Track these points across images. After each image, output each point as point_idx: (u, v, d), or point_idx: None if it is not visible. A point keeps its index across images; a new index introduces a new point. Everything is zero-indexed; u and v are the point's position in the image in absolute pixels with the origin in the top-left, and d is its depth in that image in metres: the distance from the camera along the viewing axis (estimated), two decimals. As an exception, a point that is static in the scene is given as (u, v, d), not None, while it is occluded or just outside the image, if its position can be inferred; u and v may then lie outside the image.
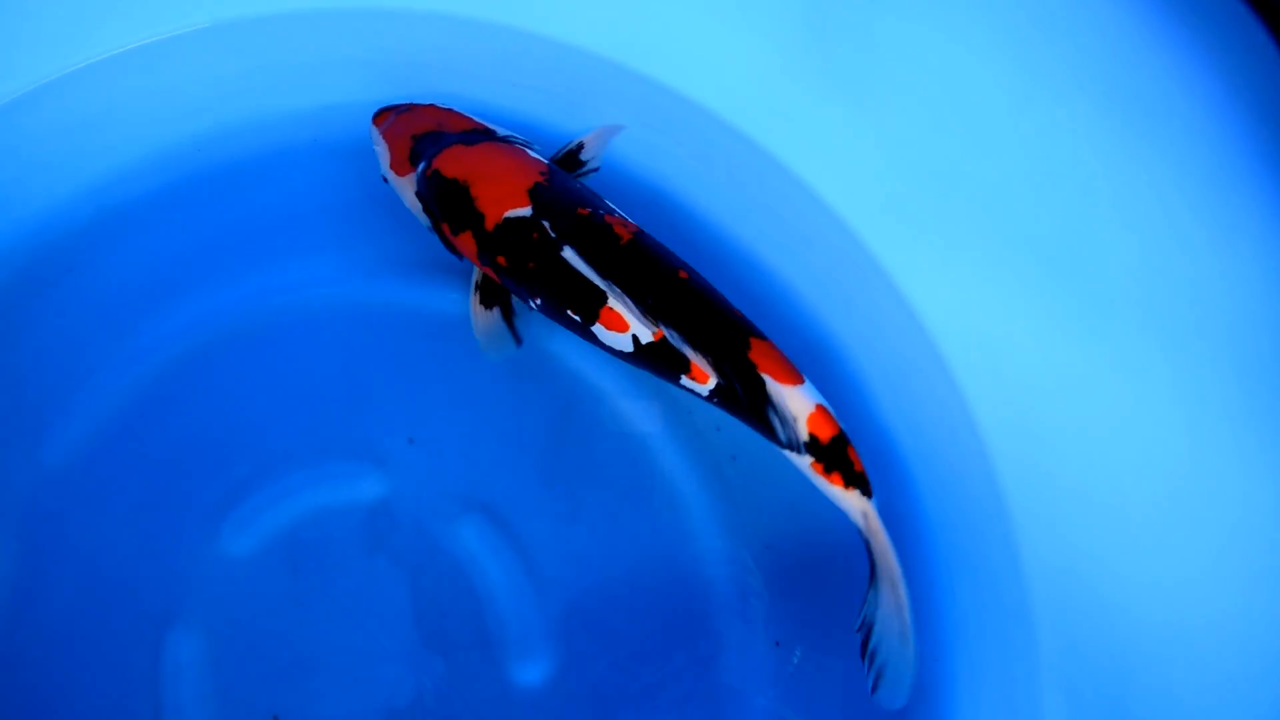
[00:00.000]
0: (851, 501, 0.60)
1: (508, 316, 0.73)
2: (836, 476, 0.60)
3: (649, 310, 0.61)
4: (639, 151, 0.81)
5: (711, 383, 0.61)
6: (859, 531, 0.60)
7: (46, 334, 0.76)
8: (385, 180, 0.74)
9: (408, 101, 0.75)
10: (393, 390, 0.77)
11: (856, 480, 0.60)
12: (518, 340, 0.73)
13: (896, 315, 0.77)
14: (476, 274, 0.72)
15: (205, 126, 0.80)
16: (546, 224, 0.64)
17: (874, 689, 0.58)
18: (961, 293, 0.76)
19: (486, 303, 0.72)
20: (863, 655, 0.59)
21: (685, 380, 0.63)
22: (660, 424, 0.77)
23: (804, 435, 0.60)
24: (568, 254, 0.63)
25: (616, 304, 0.62)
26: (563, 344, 0.78)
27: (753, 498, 0.76)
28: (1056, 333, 0.74)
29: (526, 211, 0.64)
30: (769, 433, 0.61)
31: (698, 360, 0.61)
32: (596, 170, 0.77)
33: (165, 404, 0.76)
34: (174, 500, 0.74)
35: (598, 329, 0.64)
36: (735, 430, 0.64)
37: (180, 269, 0.79)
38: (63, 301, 0.77)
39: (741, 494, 0.76)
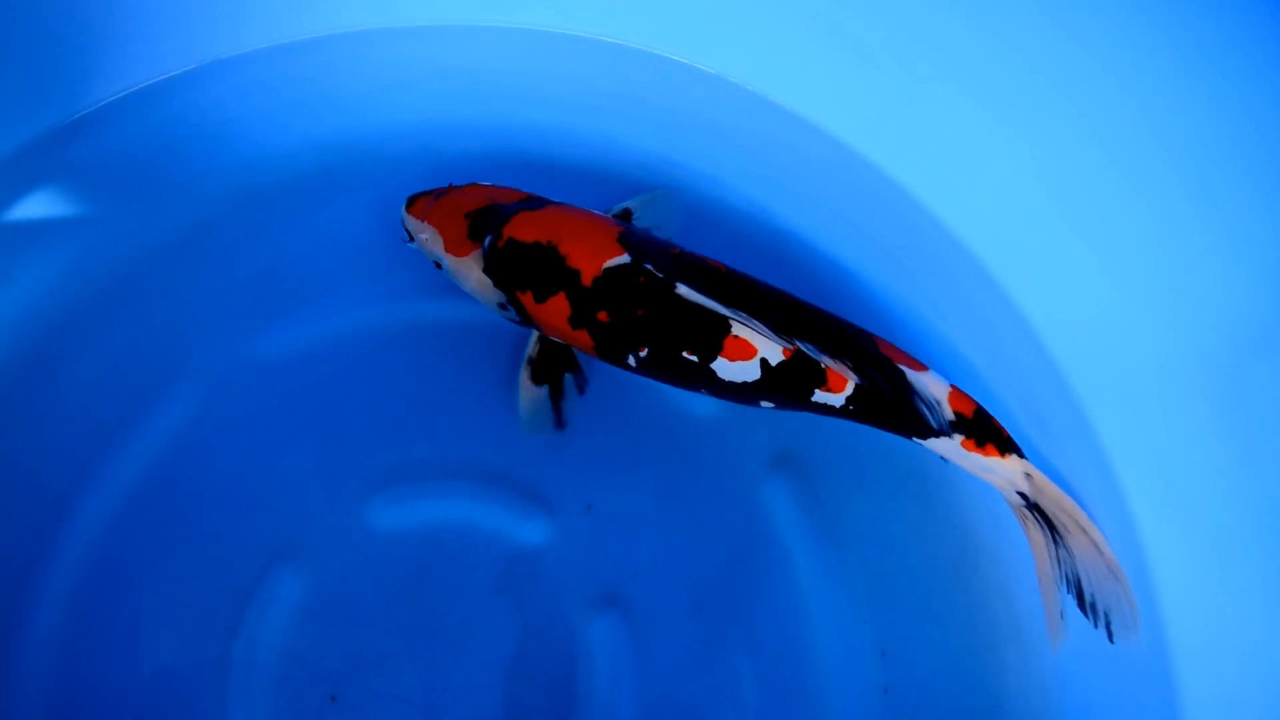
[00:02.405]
0: (1011, 467, 0.59)
1: (555, 397, 0.71)
2: (990, 448, 0.60)
3: (777, 328, 0.58)
4: (756, 179, 0.78)
5: (849, 388, 0.60)
6: (1020, 501, 0.60)
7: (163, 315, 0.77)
8: (438, 266, 0.70)
9: (442, 185, 0.71)
10: (598, 451, 0.74)
11: (1010, 445, 0.60)
12: (561, 423, 0.71)
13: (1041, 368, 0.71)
14: (531, 348, 0.70)
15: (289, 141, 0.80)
16: (650, 266, 0.61)
17: (1111, 637, 0.58)
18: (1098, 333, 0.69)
19: (537, 379, 0.70)
20: (1084, 610, 0.59)
21: (818, 395, 0.60)
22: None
23: (950, 415, 0.59)
24: (683, 290, 0.60)
25: (743, 330, 0.59)
26: (777, 490, 0.74)
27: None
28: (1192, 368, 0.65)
29: (626, 259, 0.62)
30: (916, 424, 0.60)
31: (836, 367, 0.59)
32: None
33: (372, 370, 0.76)
34: (348, 449, 0.74)
35: (719, 364, 0.60)
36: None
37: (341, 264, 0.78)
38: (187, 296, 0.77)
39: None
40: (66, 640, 0.69)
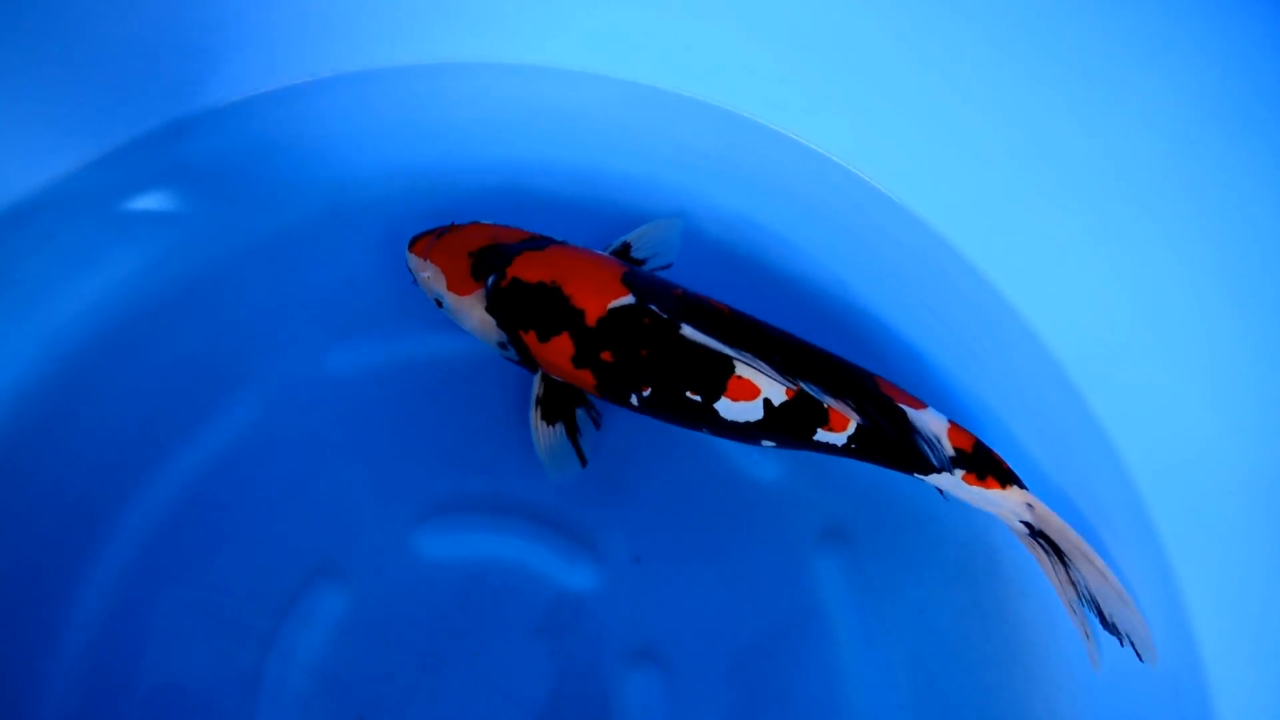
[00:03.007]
0: (1013, 499, 0.60)
1: (571, 433, 0.70)
2: (991, 480, 0.60)
3: (780, 368, 0.59)
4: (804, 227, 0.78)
5: (851, 428, 0.60)
6: (1025, 530, 0.61)
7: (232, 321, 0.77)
8: (439, 305, 0.70)
9: (443, 224, 0.72)
10: (651, 504, 0.74)
11: (1010, 477, 0.60)
12: (583, 461, 0.70)
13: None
14: (537, 388, 0.69)
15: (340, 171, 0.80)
16: (655, 307, 0.62)
17: (1139, 656, 0.59)
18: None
19: (549, 418, 0.69)
20: (1107, 628, 0.60)
21: (820, 435, 0.61)
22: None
23: (950, 450, 0.60)
24: (688, 331, 0.61)
25: (746, 370, 0.60)
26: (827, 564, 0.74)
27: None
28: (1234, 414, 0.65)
29: (630, 299, 0.62)
30: (917, 461, 0.60)
31: (838, 407, 0.60)
32: (668, 267, 0.74)
33: (434, 398, 0.76)
34: (403, 473, 0.74)
35: (722, 404, 0.61)
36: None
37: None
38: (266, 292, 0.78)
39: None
40: (104, 637, 0.69)
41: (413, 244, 0.71)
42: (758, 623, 0.71)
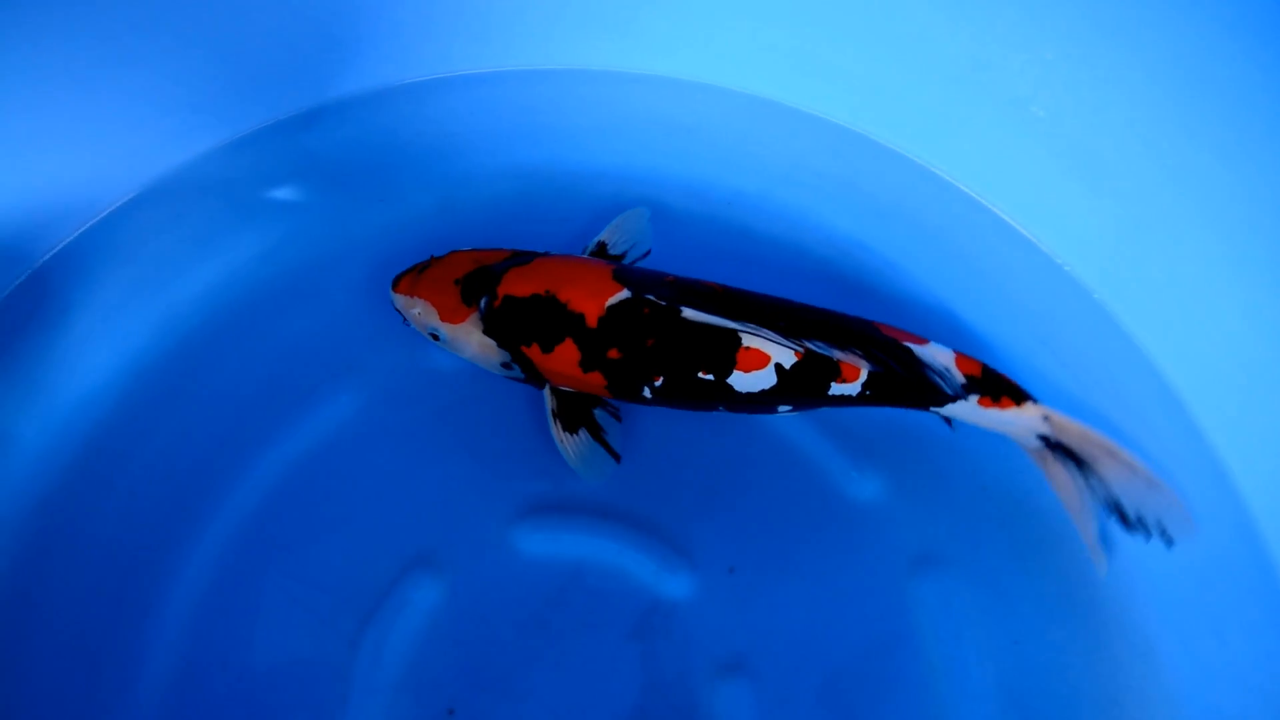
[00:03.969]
0: (1029, 414, 0.61)
1: (597, 435, 0.70)
2: (1006, 400, 0.61)
3: (785, 332, 0.61)
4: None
5: (863, 376, 0.62)
6: (1040, 445, 0.61)
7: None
8: (435, 338, 0.71)
9: (423, 259, 0.73)
10: (748, 516, 0.74)
11: (1023, 395, 0.61)
12: (616, 457, 0.71)
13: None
14: (550, 402, 0.70)
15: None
16: (652, 296, 0.62)
17: (1170, 542, 0.59)
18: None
19: (571, 427, 0.69)
20: (1131, 528, 0.60)
21: (835, 388, 0.62)
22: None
23: (961, 378, 0.62)
24: (689, 313, 0.62)
25: (753, 340, 0.62)
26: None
27: None
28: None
29: (626, 293, 0.63)
30: (933, 394, 0.62)
31: (847, 358, 0.61)
32: (648, 254, 0.76)
33: (538, 399, 0.76)
34: (504, 470, 0.75)
35: (735, 378, 0.62)
36: None
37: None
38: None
39: None
40: (204, 612, 0.70)
41: (396, 284, 0.72)
42: (850, 643, 0.71)
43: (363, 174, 0.80)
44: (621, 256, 0.75)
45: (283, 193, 0.78)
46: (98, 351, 0.74)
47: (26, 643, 0.68)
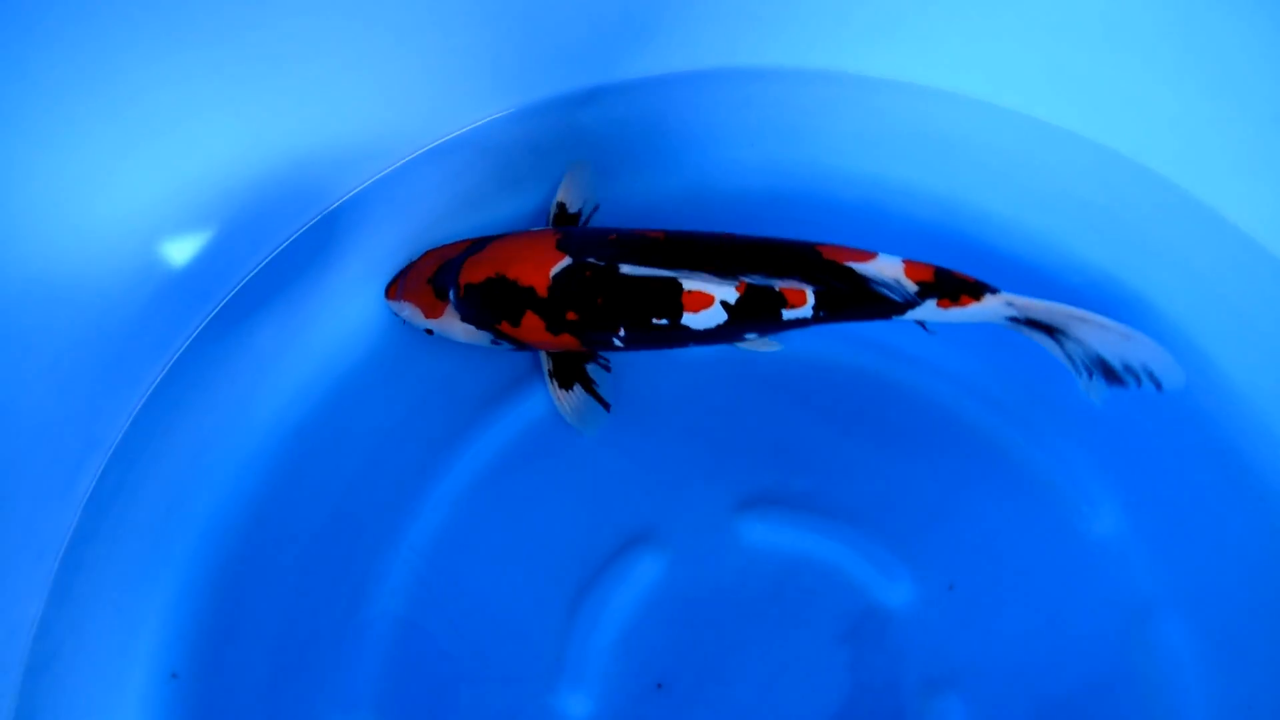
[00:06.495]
0: (991, 306, 0.62)
1: (589, 389, 0.75)
2: (965, 299, 0.62)
3: (721, 271, 0.63)
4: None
5: (810, 299, 0.63)
6: (1013, 324, 0.62)
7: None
8: (430, 333, 0.75)
9: (402, 266, 0.77)
10: (975, 534, 0.73)
11: (981, 288, 0.62)
12: (606, 405, 0.75)
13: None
14: (546, 363, 0.75)
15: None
16: (591, 259, 0.66)
17: (1158, 386, 0.60)
18: None
19: (566, 384, 0.74)
20: (1120, 380, 0.60)
21: (787, 314, 0.64)
22: None
23: (913, 286, 0.62)
24: (626, 269, 0.65)
25: (692, 282, 0.64)
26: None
27: None
28: None
29: (567, 261, 0.67)
30: (885, 306, 0.63)
31: (789, 285, 0.63)
32: (598, 208, 0.80)
33: (770, 395, 0.78)
34: (731, 459, 0.76)
35: (687, 319, 0.65)
36: None
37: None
38: None
39: None
40: (427, 568, 0.73)
41: (387, 291, 0.77)
42: (1069, 678, 0.70)
43: (622, 154, 0.82)
44: (578, 215, 0.79)
45: (548, 165, 0.81)
46: (362, 298, 0.78)
47: (268, 568, 0.72)
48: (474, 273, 0.71)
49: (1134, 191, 0.79)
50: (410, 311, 0.75)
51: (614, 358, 0.77)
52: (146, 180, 0.69)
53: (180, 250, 0.74)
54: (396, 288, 0.76)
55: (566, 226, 0.76)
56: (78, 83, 0.64)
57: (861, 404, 0.77)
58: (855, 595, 0.72)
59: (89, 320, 0.69)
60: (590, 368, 0.76)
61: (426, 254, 0.77)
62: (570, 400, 0.75)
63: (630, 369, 0.78)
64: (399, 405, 0.77)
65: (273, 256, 0.78)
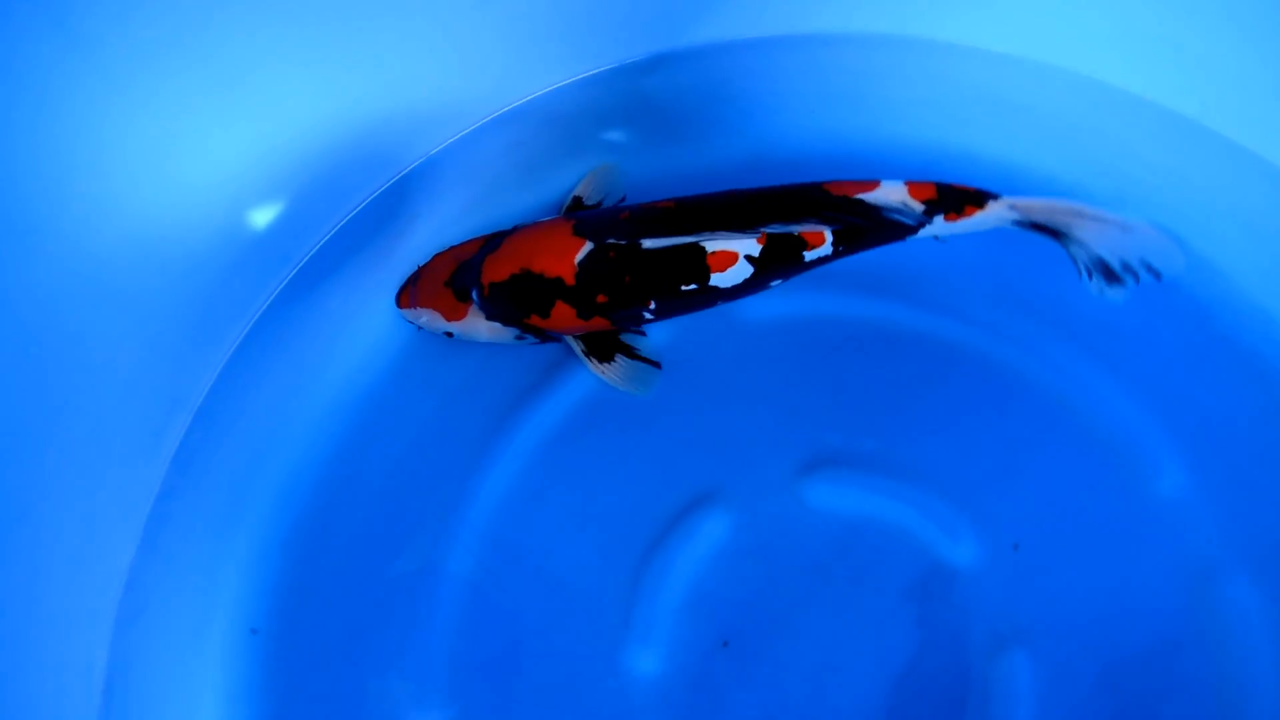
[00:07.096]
0: (995, 212, 0.63)
1: (631, 356, 0.75)
2: (969, 208, 0.64)
3: (740, 227, 0.65)
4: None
5: (829, 236, 0.65)
6: (1017, 228, 0.63)
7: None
8: (450, 335, 0.76)
9: (410, 272, 0.78)
10: (1044, 493, 0.73)
11: (983, 196, 0.64)
12: (656, 365, 0.76)
13: None
14: (577, 345, 0.75)
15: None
16: (612, 240, 0.67)
17: (1158, 276, 0.61)
18: None
19: (606, 358, 0.75)
20: (1121, 278, 0.62)
21: (809, 255, 0.66)
22: None
23: (920, 206, 0.64)
24: (648, 244, 0.66)
25: (714, 243, 0.66)
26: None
27: None
28: None
29: (589, 246, 0.68)
30: (899, 230, 0.65)
31: (807, 228, 0.65)
32: (624, 199, 0.80)
33: (837, 355, 0.79)
34: (798, 420, 0.77)
35: (715, 278, 0.67)
36: None
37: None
38: None
39: None
40: (499, 521, 0.75)
41: (398, 301, 0.77)
42: (1136, 638, 0.70)
43: (685, 121, 0.83)
44: (596, 206, 0.79)
45: (612, 133, 0.82)
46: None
47: (341, 528, 0.74)
48: (497, 271, 0.72)
49: (1200, 155, 0.79)
50: (429, 317, 0.75)
51: (667, 326, 0.78)
52: (233, 145, 0.71)
53: (262, 213, 0.76)
54: (409, 295, 0.76)
55: (577, 212, 0.77)
56: (173, 46, 0.66)
57: (925, 366, 0.78)
58: (920, 554, 0.73)
59: (177, 281, 0.72)
60: (625, 336, 0.76)
61: (436, 257, 0.78)
62: (616, 371, 0.75)
63: (686, 334, 0.79)
64: (466, 367, 0.79)
65: (347, 220, 0.80)
